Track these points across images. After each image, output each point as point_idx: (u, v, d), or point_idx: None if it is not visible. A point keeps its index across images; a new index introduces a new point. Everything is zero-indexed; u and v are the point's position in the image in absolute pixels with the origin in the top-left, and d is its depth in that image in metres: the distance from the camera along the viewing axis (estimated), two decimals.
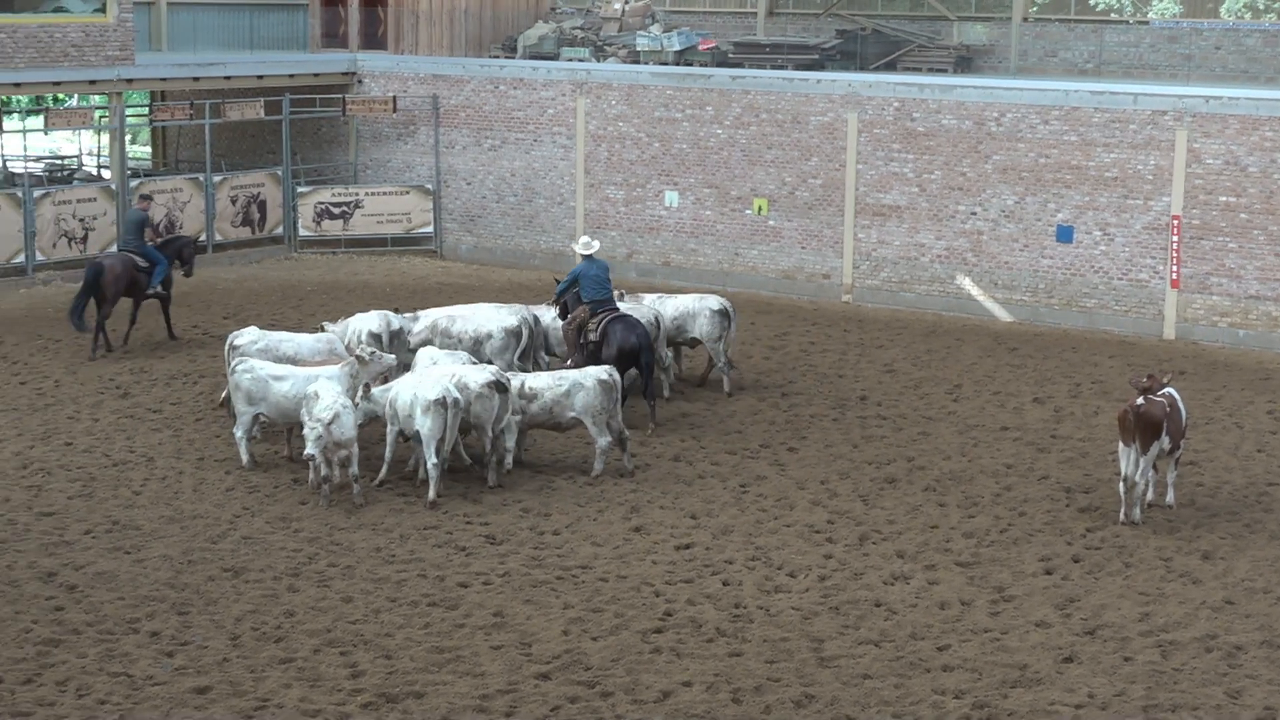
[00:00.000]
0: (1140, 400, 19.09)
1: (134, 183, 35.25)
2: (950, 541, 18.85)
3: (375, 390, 20.40)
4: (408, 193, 38.02)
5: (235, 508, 19.79)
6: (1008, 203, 31.55)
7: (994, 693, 14.73)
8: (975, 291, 31.97)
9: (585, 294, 23.72)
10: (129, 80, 35.58)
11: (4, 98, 42.06)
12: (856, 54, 37.48)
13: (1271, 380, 26.94)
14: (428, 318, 24.61)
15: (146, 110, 39.57)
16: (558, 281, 25.05)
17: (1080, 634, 16.13)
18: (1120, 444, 19.25)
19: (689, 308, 25.67)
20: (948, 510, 19.99)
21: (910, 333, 30.28)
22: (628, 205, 35.70)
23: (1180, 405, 19.64)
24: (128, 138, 39.19)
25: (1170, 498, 19.89)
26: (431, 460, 19.82)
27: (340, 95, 38.16)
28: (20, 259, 33.34)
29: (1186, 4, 44.79)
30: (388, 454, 20.55)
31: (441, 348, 23.35)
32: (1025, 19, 38.03)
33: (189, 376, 25.75)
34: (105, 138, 40.57)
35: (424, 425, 19.74)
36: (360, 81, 38.94)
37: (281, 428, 21.66)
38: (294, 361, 22.11)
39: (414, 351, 23.26)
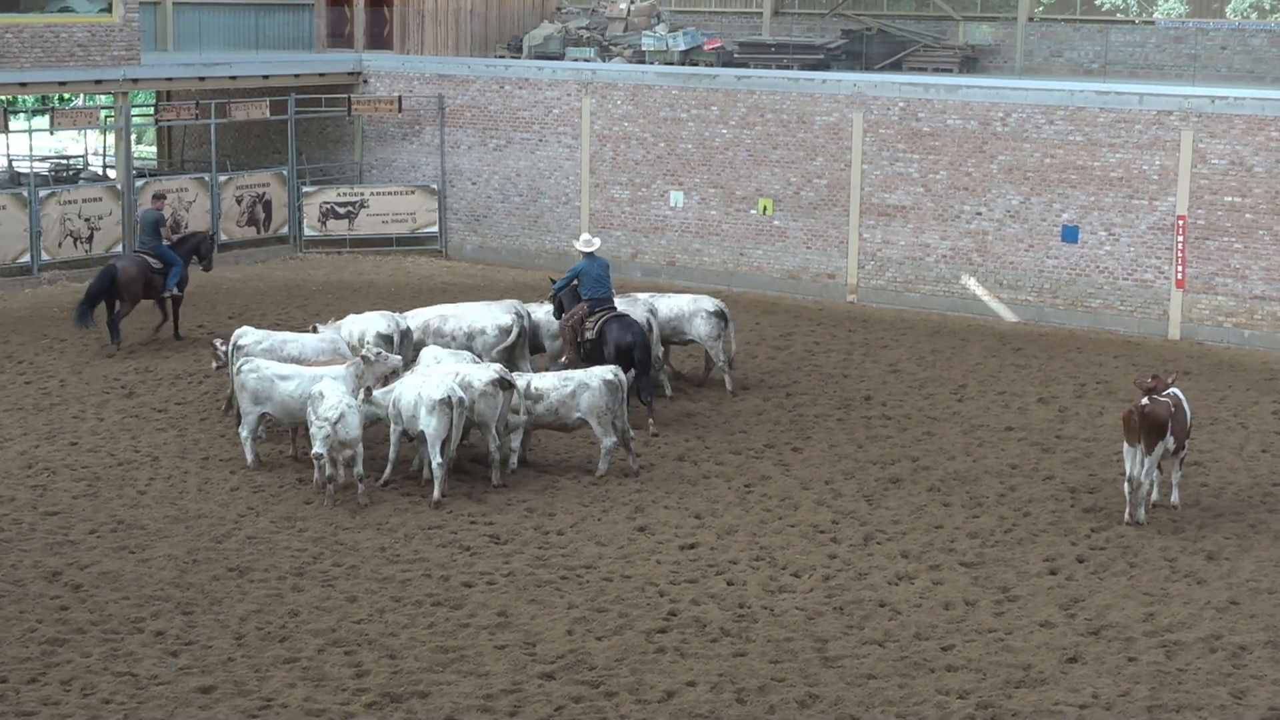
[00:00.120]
0: (1145, 400, 19.08)
1: (139, 182, 35.28)
2: (955, 541, 18.84)
3: (377, 393, 20.40)
4: (413, 192, 38.03)
5: (240, 507, 19.81)
6: (1013, 203, 31.53)
7: (998, 693, 14.73)
8: (980, 291, 31.95)
9: (585, 292, 23.80)
10: (134, 80, 35.61)
11: (10, 97, 42.12)
12: (862, 54, 37.47)
13: (1276, 380, 26.92)
14: (418, 318, 24.60)
15: (152, 110, 39.60)
16: (553, 281, 25.09)
17: (1085, 634, 16.13)
18: (1125, 444, 19.24)
19: (684, 309, 25.68)
20: (952, 510, 19.99)
21: (915, 333, 30.27)
22: (633, 205, 35.71)
23: (1185, 405, 19.62)
24: (133, 137, 39.19)
25: (1175, 498, 19.88)
26: (436, 460, 19.83)
27: (345, 95, 38.18)
28: (26, 259, 33.37)
29: (1192, 4, 44.75)
30: (392, 454, 20.57)
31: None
32: (1030, 19, 38.01)
33: (194, 376, 25.76)
34: (111, 137, 40.58)
35: (429, 425, 19.75)
36: (365, 81, 38.96)
37: (286, 427, 21.68)
38: (299, 362, 22.12)
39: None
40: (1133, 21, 42.10)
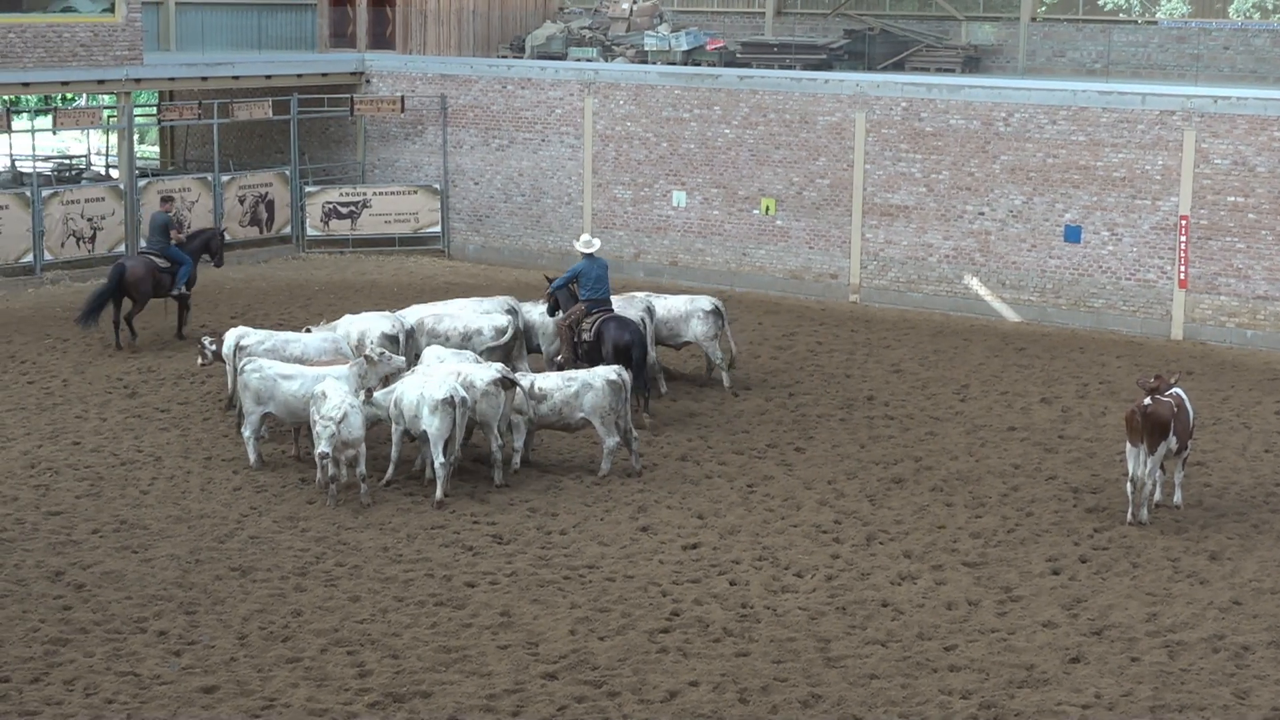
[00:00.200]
0: (1148, 400, 19.08)
1: (142, 182, 35.29)
2: (957, 542, 18.84)
3: (377, 394, 20.40)
4: (415, 192, 38.03)
5: (243, 507, 19.82)
6: (1015, 203, 31.53)
7: (1001, 693, 14.73)
8: (983, 292, 31.95)
9: (584, 293, 23.87)
10: (137, 80, 35.60)
11: (13, 97, 42.12)
12: (864, 54, 37.46)
13: (1279, 380, 26.90)
14: (411, 317, 24.58)
15: (155, 110, 39.61)
16: (549, 280, 25.09)
17: (1087, 634, 16.13)
18: (1128, 444, 19.24)
19: (681, 310, 25.69)
20: (955, 510, 19.98)
21: (918, 333, 30.27)
22: (635, 205, 35.71)
23: (1188, 405, 19.62)
24: (136, 137, 39.21)
25: (1178, 498, 19.88)
26: (438, 460, 19.83)
27: (348, 95, 38.19)
28: (29, 258, 33.38)
29: (1195, 4, 44.73)
30: (394, 453, 20.57)
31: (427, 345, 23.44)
32: (1033, 19, 37.99)
33: (196, 376, 25.75)
34: (113, 137, 40.59)
35: (431, 425, 19.75)
36: (368, 81, 38.96)
37: (289, 427, 21.69)
38: (301, 362, 22.13)
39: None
40: (1135, 21, 42.09)
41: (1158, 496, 19.72)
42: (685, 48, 37.30)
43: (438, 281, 34.44)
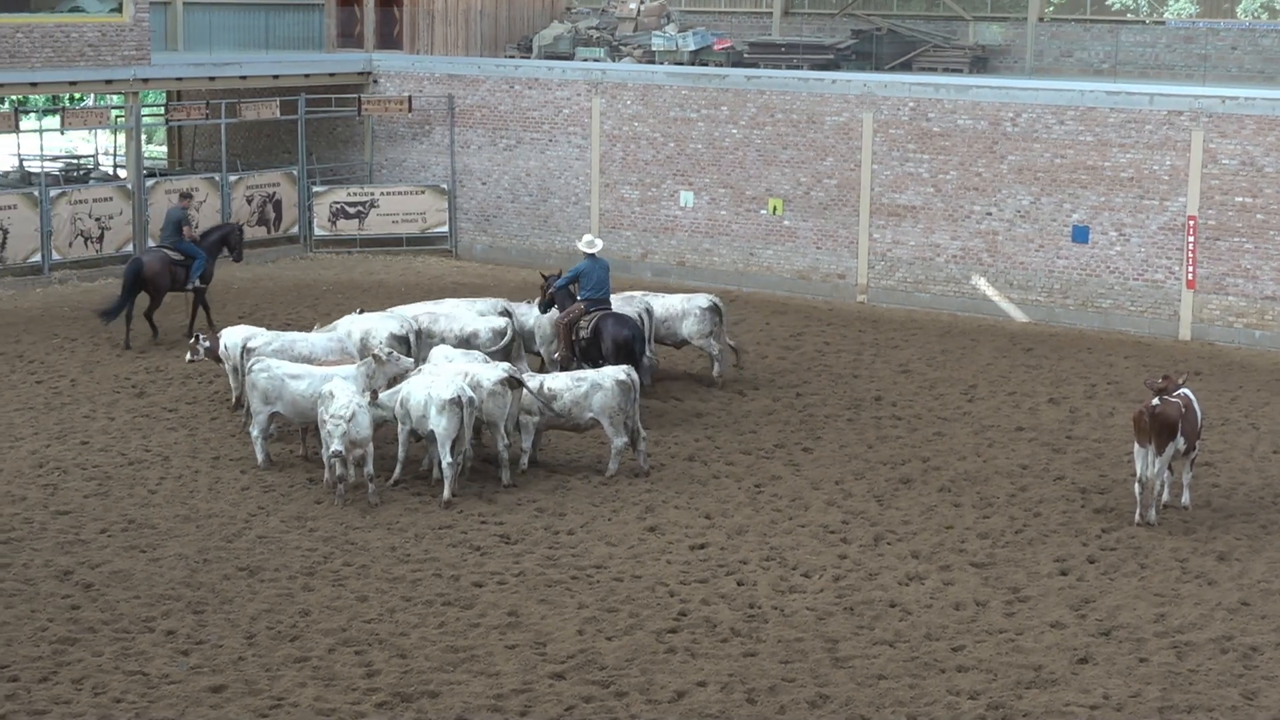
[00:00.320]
0: (1156, 401, 19.06)
1: (150, 182, 35.33)
2: (965, 542, 18.83)
3: (383, 395, 20.41)
4: (423, 192, 38.05)
5: (251, 507, 19.83)
6: (1023, 203, 31.51)
7: (1009, 693, 14.72)
8: (990, 292, 31.93)
9: (584, 292, 23.94)
10: (145, 80, 35.65)
11: (21, 97, 42.15)
12: (872, 54, 37.46)
13: None
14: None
15: (162, 110, 39.64)
16: (545, 278, 25.09)
17: (1095, 635, 16.11)
18: (1136, 445, 19.22)
19: (678, 308, 25.74)
20: (963, 511, 19.97)
21: (925, 333, 30.26)
22: (643, 205, 35.71)
23: (1196, 406, 19.60)
24: (144, 137, 39.24)
25: (1186, 499, 19.86)
26: (446, 460, 19.84)
27: (356, 95, 38.22)
28: (37, 258, 33.42)
29: (1203, 4, 44.70)
30: (401, 453, 20.58)
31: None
32: (1041, 19, 37.98)
33: (204, 376, 25.76)
34: (121, 137, 40.65)
35: (439, 425, 19.75)
36: (376, 81, 38.99)
37: (297, 427, 21.70)
38: (309, 362, 22.14)
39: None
40: (1143, 22, 42.07)
41: (1166, 497, 19.69)
42: (692, 48, 37.30)
43: (445, 281, 34.45)
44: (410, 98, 37.92)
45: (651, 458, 21.62)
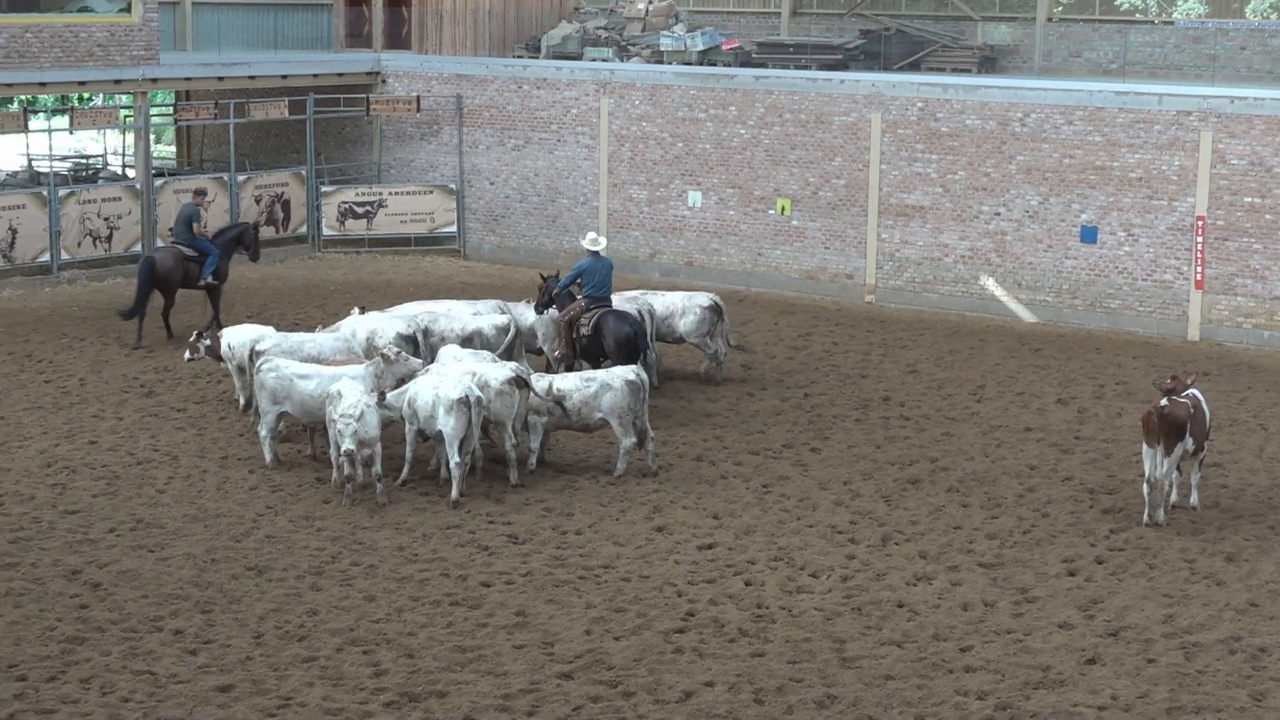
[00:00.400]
0: (1164, 401, 19.04)
1: (158, 182, 35.37)
2: (973, 542, 18.82)
3: (390, 396, 20.41)
4: (431, 192, 38.07)
5: (259, 506, 19.84)
6: (1032, 203, 31.49)
7: (1017, 694, 14.71)
8: (999, 292, 31.91)
9: (586, 289, 23.97)
10: (154, 80, 35.67)
11: (30, 97, 42.21)
12: (880, 54, 37.44)
13: None
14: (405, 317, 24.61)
15: (171, 110, 39.68)
16: (543, 278, 25.09)
17: (1103, 635, 16.10)
18: (1144, 445, 19.21)
19: (679, 306, 25.78)
20: (971, 511, 19.96)
21: (933, 333, 30.24)
22: (651, 205, 35.71)
23: (1204, 407, 19.58)
24: (152, 137, 39.28)
25: (1194, 499, 19.84)
26: (454, 459, 19.84)
27: (364, 95, 38.24)
28: (45, 258, 33.46)
29: (1212, 4, 44.65)
30: (408, 453, 20.58)
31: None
32: (1050, 19, 37.95)
33: (213, 375, 25.78)
34: (130, 137, 40.68)
35: (446, 425, 19.75)
36: (384, 81, 39.01)
37: (305, 427, 21.71)
38: (317, 362, 22.14)
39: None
40: (1152, 22, 42.03)
41: (1174, 498, 19.68)
42: (701, 48, 37.30)
43: (454, 281, 34.46)
44: (419, 98, 37.93)
45: (659, 458, 21.61)
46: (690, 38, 37.51)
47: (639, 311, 24.75)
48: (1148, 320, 30.42)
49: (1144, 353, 28.72)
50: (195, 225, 28.96)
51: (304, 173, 37.61)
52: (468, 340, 23.84)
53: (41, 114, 44.54)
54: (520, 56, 39.64)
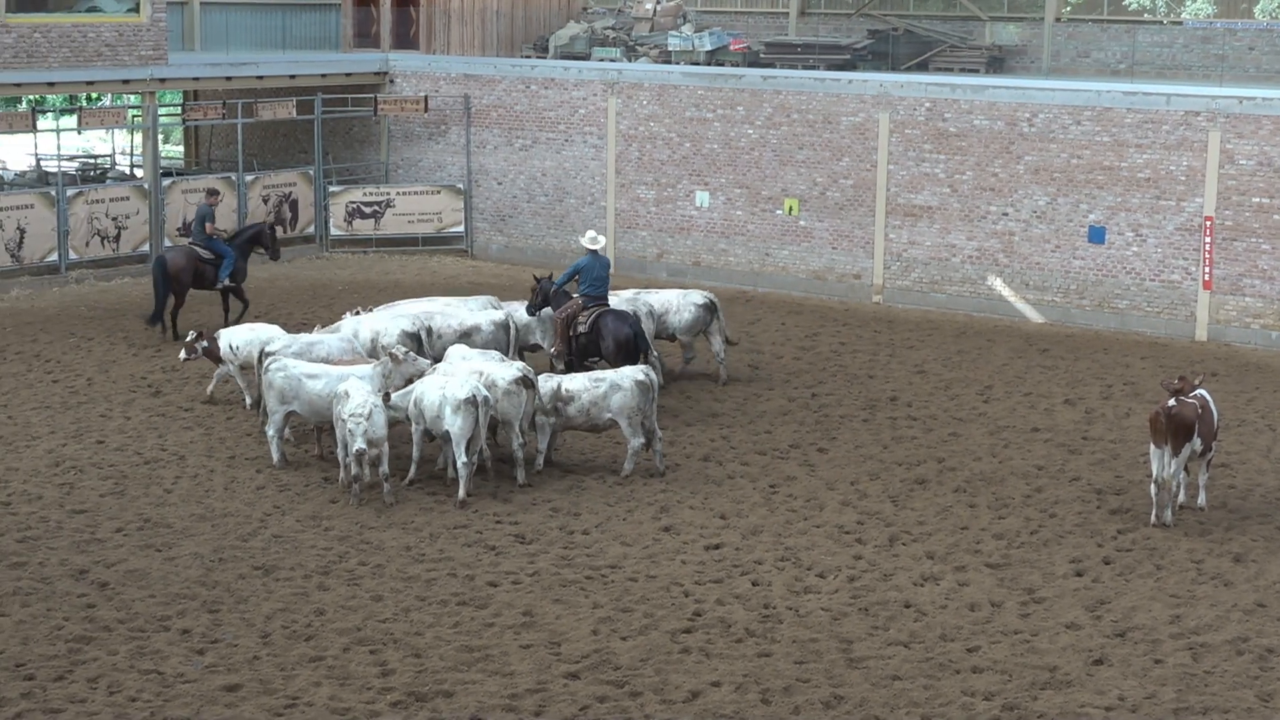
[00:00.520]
0: (1172, 402, 19.02)
1: (166, 182, 35.40)
2: (980, 543, 18.80)
3: (395, 396, 20.42)
4: (439, 192, 38.08)
5: (266, 506, 19.86)
6: (1039, 203, 31.46)
7: (1024, 694, 14.70)
8: (1006, 292, 31.89)
9: (583, 288, 24.02)
10: (162, 80, 35.72)
11: (38, 97, 42.26)
12: (888, 54, 37.43)
13: None
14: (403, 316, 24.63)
15: (179, 110, 39.71)
16: (537, 279, 25.10)
17: (1111, 636, 16.09)
18: (1152, 446, 19.19)
19: (674, 303, 25.81)
20: (978, 512, 19.94)
21: (941, 334, 30.22)
22: (658, 205, 35.70)
23: (1212, 407, 19.56)
24: (160, 137, 39.32)
25: (1202, 500, 19.82)
26: (461, 459, 19.85)
27: (372, 95, 38.26)
28: (54, 258, 33.49)
29: (1220, 4, 44.61)
30: (415, 453, 20.59)
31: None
32: (1058, 19, 37.92)
33: (222, 376, 25.78)
34: (138, 137, 40.72)
35: (454, 424, 19.76)
36: (392, 81, 39.03)
37: (312, 427, 21.73)
38: (327, 363, 22.14)
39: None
40: (1160, 22, 41.99)
41: (1182, 498, 19.65)
42: (709, 48, 37.30)
43: (461, 281, 34.47)
44: (426, 98, 37.95)
45: (666, 458, 21.61)
46: (698, 38, 37.51)
47: (634, 310, 24.74)
48: (1155, 321, 30.39)
49: (1152, 353, 28.70)
50: (208, 225, 29.05)
51: (312, 173, 37.63)
52: (465, 336, 23.88)
53: (50, 114, 44.53)
54: (528, 56, 39.66)
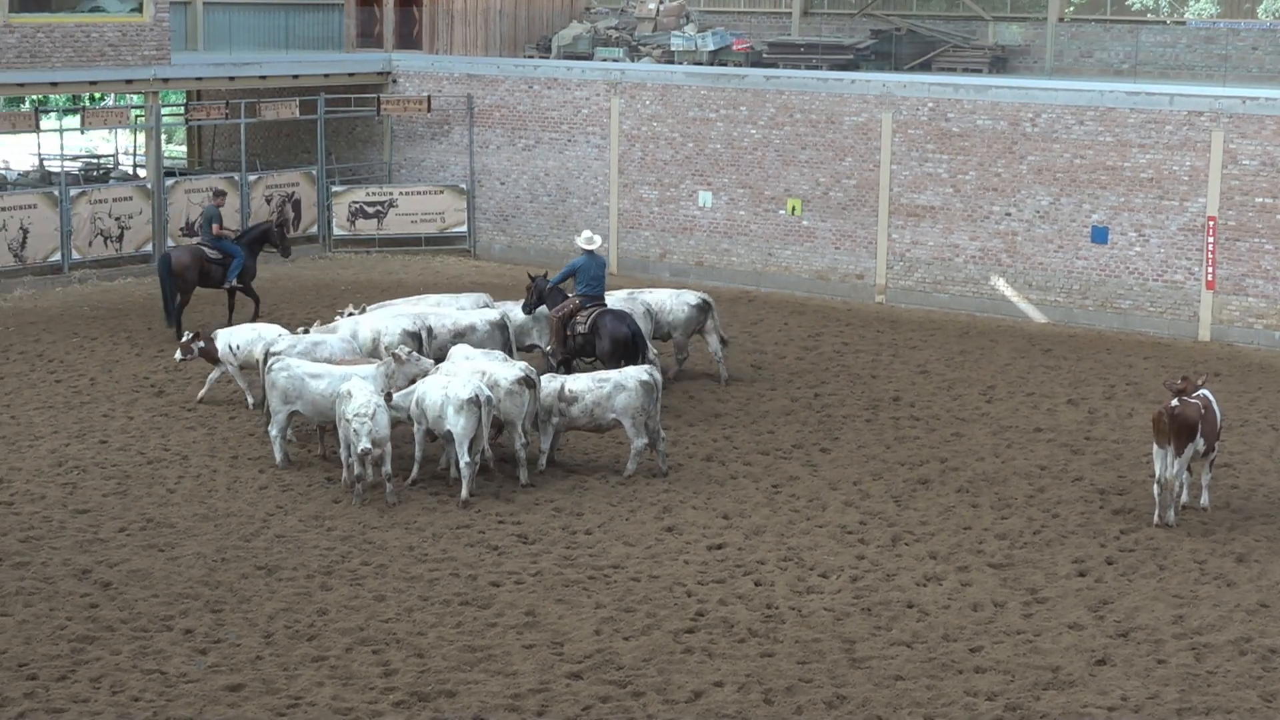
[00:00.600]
0: (1175, 402, 19.01)
1: (169, 182, 35.41)
2: (983, 543, 18.80)
3: (396, 396, 20.42)
4: (442, 192, 38.09)
5: (269, 506, 19.86)
6: (1042, 203, 31.45)
7: (1026, 695, 14.69)
8: (1009, 292, 31.88)
9: (579, 287, 24.04)
10: (165, 80, 35.74)
11: (41, 97, 42.28)
12: (891, 54, 37.41)
13: None
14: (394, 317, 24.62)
15: (182, 109, 39.73)
16: (531, 278, 25.12)
17: (1113, 636, 16.08)
18: (1155, 446, 19.17)
19: (667, 304, 25.83)
20: (981, 512, 19.94)
21: (944, 334, 30.22)
22: (661, 205, 35.70)
23: (1215, 407, 19.55)
24: (163, 137, 39.34)
25: (1205, 500, 19.81)
26: (464, 459, 19.85)
27: (375, 95, 38.26)
28: (56, 257, 33.51)
29: (1223, 4, 44.58)
30: (417, 453, 20.59)
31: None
32: (1061, 19, 37.90)
33: (225, 375, 25.77)
34: (141, 137, 40.74)
35: (457, 424, 19.76)
36: (395, 81, 39.03)
37: (315, 426, 21.73)
38: (331, 363, 22.14)
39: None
40: (1163, 22, 41.97)
41: (1185, 498, 19.65)
42: (711, 48, 37.29)
43: (464, 281, 34.46)
44: (429, 98, 37.95)
45: (669, 458, 21.61)
46: (701, 38, 37.51)
47: (632, 310, 24.74)
48: (1158, 321, 30.38)
49: (1155, 353, 28.69)
50: (215, 226, 29.09)
51: (315, 173, 37.64)
52: (459, 336, 23.89)
53: (53, 114, 44.56)
54: (531, 56, 39.66)
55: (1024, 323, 31.42)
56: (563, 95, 36.82)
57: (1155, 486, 19.28)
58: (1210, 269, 29.80)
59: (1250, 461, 22.11)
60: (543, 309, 24.73)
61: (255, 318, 28.55)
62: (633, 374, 21.17)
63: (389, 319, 23.88)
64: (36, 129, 36.29)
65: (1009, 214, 31.81)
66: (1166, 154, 30.17)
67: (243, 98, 37.18)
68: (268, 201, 36.63)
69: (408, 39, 41.13)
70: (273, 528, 19.04)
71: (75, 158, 43.10)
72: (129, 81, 35.01)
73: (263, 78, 37.49)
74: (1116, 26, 37.89)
